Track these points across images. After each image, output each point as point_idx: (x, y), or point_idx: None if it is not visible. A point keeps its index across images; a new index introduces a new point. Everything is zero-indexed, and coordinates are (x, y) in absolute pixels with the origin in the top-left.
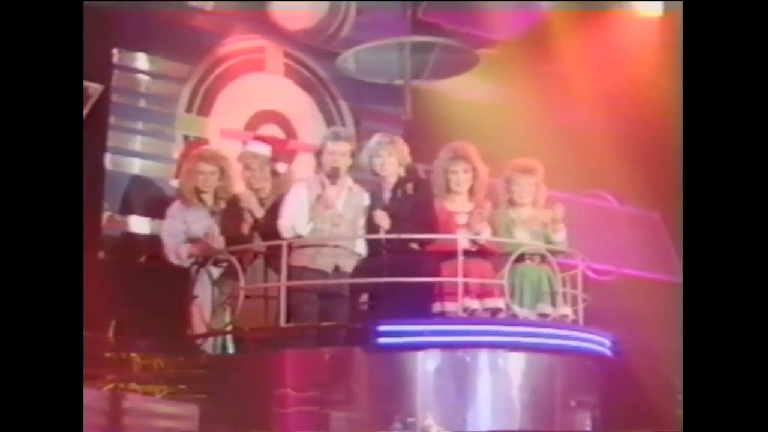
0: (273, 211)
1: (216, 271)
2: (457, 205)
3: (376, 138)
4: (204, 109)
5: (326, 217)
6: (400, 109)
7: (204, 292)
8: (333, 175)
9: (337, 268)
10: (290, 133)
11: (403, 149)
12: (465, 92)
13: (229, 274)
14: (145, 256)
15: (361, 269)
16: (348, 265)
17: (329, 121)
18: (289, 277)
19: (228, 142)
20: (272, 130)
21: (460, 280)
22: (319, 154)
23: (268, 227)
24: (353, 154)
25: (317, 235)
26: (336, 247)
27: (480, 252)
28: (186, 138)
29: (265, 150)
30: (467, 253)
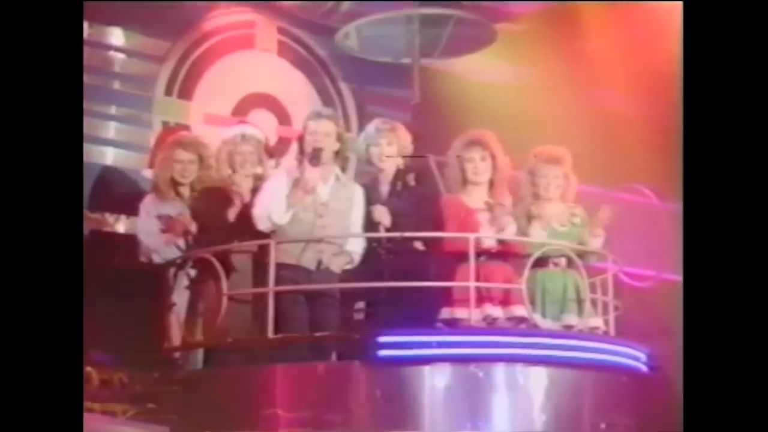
0: None
1: (194, 274)
2: (476, 200)
3: (374, 124)
4: (186, 92)
5: (307, 204)
6: (409, 92)
7: (183, 299)
8: (314, 157)
9: (320, 264)
10: (284, 119)
11: (405, 138)
12: (482, 73)
13: (209, 276)
14: (117, 257)
15: (357, 272)
16: (334, 262)
17: (327, 105)
18: (262, 277)
19: (212, 129)
20: (264, 117)
21: (471, 284)
22: (300, 138)
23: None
24: (340, 138)
25: (298, 226)
26: (319, 241)
27: (501, 253)
28: (165, 124)
29: (257, 132)
30: (486, 253)
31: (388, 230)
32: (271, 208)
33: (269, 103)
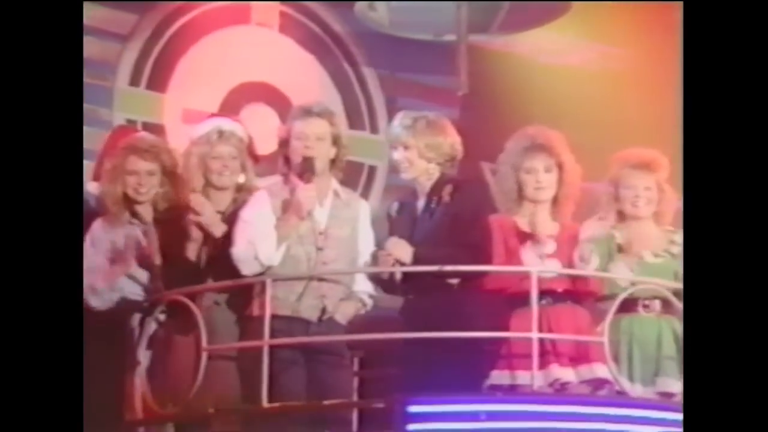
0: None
1: (164, 321)
2: (536, 224)
3: (398, 119)
4: (157, 82)
5: (303, 234)
6: (454, 80)
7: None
8: (305, 170)
9: (323, 314)
10: (288, 116)
11: (451, 137)
12: (552, 53)
13: (183, 325)
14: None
15: (371, 319)
16: (341, 310)
17: (347, 98)
18: (250, 330)
19: (194, 129)
20: (261, 113)
21: (534, 335)
22: (284, 143)
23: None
24: (337, 141)
25: (292, 265)
26: (321, 280)
27: (572, 293)
28: (131, 123)
29: (240, 129)
30: (552, 294)
31: (415, 263)
32: (257, 245)
33: (269, 95)
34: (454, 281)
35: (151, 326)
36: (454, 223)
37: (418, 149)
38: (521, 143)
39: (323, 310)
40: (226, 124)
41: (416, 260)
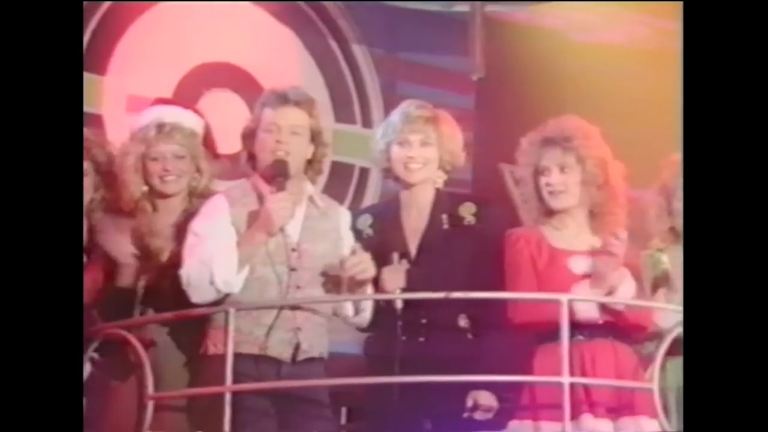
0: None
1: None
2: (569, 238)
3: (400, 110)
4: (95, 62)
5: (271, 252)
6: (467, 61)
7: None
8: (276, 173)
9: (297, 351)
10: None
11: (453, 134)
12: (587, 29)
13: (121, 367)
14: None
15: (362, 358)
16: (316, 344)
17: (333, 83)
18: (206, 373)
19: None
20: (225, 100)
21: (565, 380)
22: (249, 136)
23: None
24: (316, 136)
25: (258, 290)
26: (295, 308)
27: (612, 327)
28: None
29: (190, 120)
30: (589, 328)
31: (409, 289)
32: (213, 267)
33: (236, 78)
34: (464, 322)
35: (85, 368)
36: (478, 250)
37: (425, 147)
38: (535, 137)
39: (297, 347)
40: (169, 114)
41: (419, 286)
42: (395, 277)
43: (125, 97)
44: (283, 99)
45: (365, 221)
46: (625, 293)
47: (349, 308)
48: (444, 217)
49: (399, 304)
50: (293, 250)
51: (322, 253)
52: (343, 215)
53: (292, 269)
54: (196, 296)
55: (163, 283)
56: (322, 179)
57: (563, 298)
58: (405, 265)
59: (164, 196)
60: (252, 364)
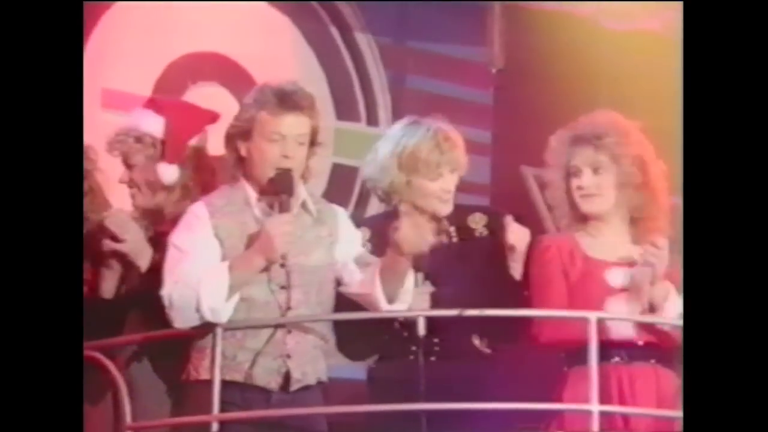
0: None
1: None
2: (607, 247)
3: (402, 124)
4: None
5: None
6: (485, 51)
7: None
8: (281, 189)
9: (288, 379)
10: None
11: (455, 148)
12: (620, 16)
13: (95, 392)
14: None
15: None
16: (310, 371)
17: (334, 76)
18: (189, 401)
19: (117, 118)
20: (213, 95)
21: (594, 408)
22: (237, 136)
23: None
24: (315, 136)
25: (248, 312)
26: (290, 332)
27: (651, 348)
28: None
29: (153, 121)
30: (628, 349)
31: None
32: (200, 290)
33: (225, 70)
34: (482, 345)
35: None
36: (490, 263)
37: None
38: (565, 135)
39: (287, 376)
40: (147, 122)
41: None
42: (418, 300)
43: (99, 91)
44: (282, 101)
45: (363, 235)
46: (671, 311)
47: (380, 297)
48: (452, 229)
49: (422, 330)
50: (282, 266)
51: (313, 266)
52: (340, 215)
53: (283, 287)
54: (179, 321)
55: (146, 299)
56: (322, 184)
57: (592, 316)
58: (429, 287)
59: (139, 209)
60: (239, 392)
